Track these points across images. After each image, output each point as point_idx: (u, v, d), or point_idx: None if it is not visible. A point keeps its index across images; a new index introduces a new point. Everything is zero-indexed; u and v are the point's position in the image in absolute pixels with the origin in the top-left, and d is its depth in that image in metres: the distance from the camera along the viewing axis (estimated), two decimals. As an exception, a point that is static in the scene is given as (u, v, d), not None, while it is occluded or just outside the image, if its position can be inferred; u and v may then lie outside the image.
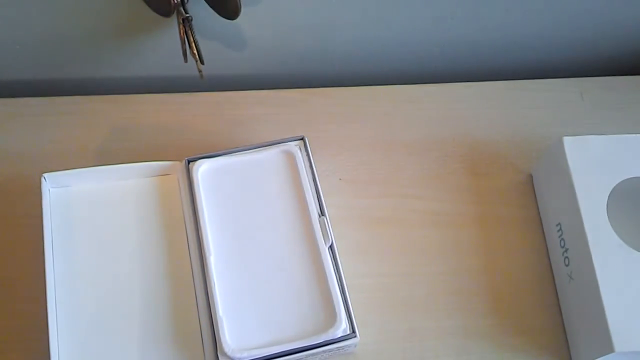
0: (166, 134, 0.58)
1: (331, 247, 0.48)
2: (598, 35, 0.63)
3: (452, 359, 0.50)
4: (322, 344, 0.44)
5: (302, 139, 0.52)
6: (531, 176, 0.58)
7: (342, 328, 0.45)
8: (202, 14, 0.53)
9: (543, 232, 0.55)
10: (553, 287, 0.53)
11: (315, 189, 0.50)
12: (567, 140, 0.51)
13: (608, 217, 0.48)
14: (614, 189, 0.49)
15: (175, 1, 0.48)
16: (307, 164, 0.51)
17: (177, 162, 0.52)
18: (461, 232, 0.55)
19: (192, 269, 0.49)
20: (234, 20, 0.51)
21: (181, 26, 0.50)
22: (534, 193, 0.57)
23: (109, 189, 0.52)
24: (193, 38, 0.50)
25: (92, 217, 0.50)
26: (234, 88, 0.61)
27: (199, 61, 0.51)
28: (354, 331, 0.45)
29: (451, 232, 0.55)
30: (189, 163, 0.51)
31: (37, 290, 0.46)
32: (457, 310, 0.52)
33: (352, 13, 0.57)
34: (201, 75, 0.53)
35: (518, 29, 0.62)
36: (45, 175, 0.49)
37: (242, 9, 0.49)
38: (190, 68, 0.54)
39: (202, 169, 0.50)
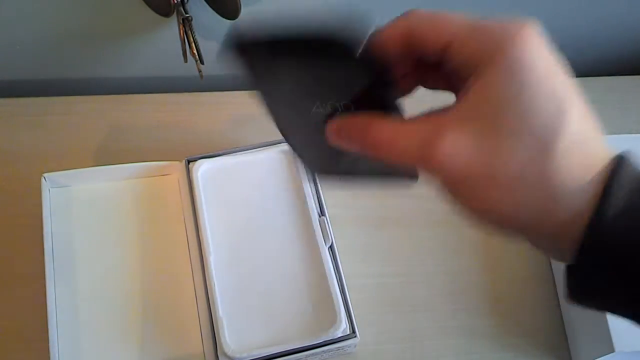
0: (166, 134, 0.58)
1: (331, 247, 0.48)
2: (599, 35, 0.63)
3: (452, 359, 0.50)
4: (322, 344, 0.44)
5: (302, 139, 0.51)
6: (531, 176, 0.57)
7: (342, 328, 0.45)
8: (202, 14, 0.52)
9: (543, 232, 0.55)
10: (553, 287, 0.53)
11: (315, 189, 0.50)
12: (567, 140, 0.51)
13: (608, 217, 0.48)
14: (614, 189, 0.49)
15: (175, 1, 0.48)
16: (307, 164, 0.51)
17: (177, 162, 0.52)
18: (461, 232, 0.54)
19: (192, 269, 0.49)
20: (234, 20, 0.50)
21: (181, 26, 0.50)
22: (534, 193, 0.57)
23: (109, 189, 0.52)
24: (193, 38, 0.50)
25: (92, 217, 0.50)
26: (234, 88, 0.61)
27: (199, 61, 0.51)
28: (354, 331, 0.45)
29: (451, 232, 0.54)
30: (189, 163, 0.51)
31: (37, 291, 0.46)
32: (457, 310, 0.52)
33: (351, 14, 0.57)
34: (201, 75, 0.53)
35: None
36: (45, 175, 0.49)
37: (242, 9, 0.49)
38: (190, 68, 0.54)
39: (202, 169, 0.50)
